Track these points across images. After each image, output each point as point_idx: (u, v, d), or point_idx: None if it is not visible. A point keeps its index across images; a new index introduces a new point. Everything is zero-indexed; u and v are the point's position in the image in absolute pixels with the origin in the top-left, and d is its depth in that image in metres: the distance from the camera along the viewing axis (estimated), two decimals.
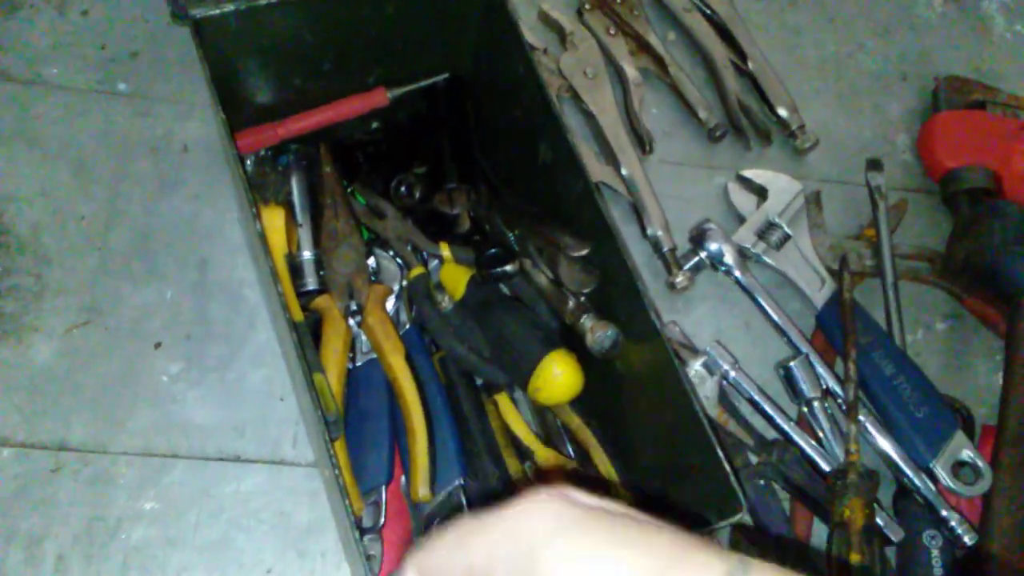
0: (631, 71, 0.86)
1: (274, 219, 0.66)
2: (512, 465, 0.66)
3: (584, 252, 0.61)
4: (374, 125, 0.73)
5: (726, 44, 0.89)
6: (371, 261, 0.69)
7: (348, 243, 0.67)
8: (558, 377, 0.63)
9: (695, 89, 0.87)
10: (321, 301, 0.66)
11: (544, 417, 0.70)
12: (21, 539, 0.64)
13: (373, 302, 0.67)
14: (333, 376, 0.64)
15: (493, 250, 0.68)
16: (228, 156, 0.60)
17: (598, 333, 0.61)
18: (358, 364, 0.67)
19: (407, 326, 0.69)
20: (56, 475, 0.66)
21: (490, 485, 0.64)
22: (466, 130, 0.74)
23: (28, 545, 0.64)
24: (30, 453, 0.66)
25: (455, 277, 0.69)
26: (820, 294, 0.80)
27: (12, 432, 0.67)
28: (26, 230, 0.72)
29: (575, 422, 0.66)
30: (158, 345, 0.71)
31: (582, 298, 0.63)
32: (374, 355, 0.67)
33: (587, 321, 0.62)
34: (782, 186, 0.83)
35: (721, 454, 0.52)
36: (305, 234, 0.68)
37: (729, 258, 0.79)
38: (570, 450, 0.68)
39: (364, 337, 0.67)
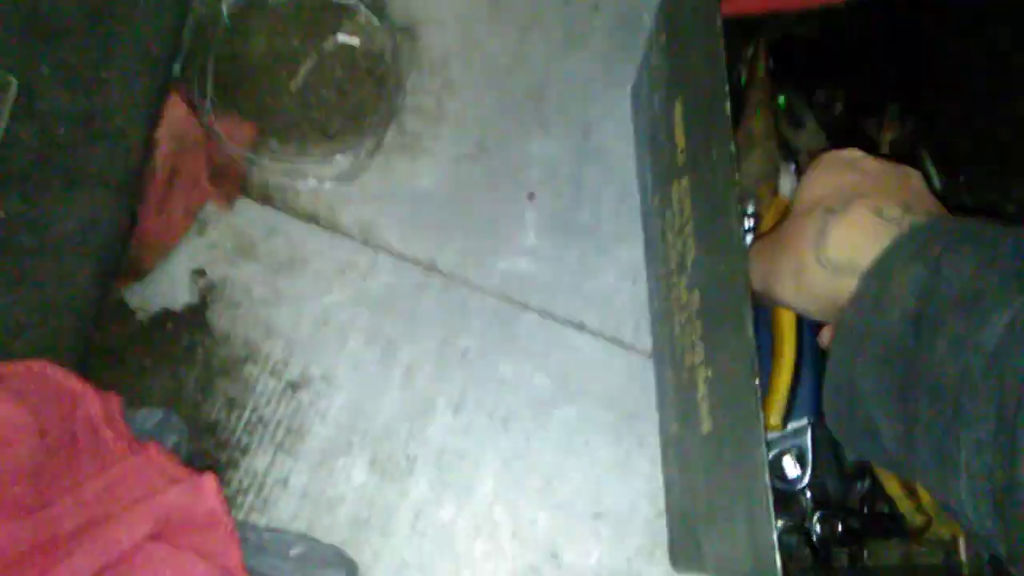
0: None
1: None
2: None
3: None
4: (818, 24, 0.67)
5: None
6: None
7: (763, 147, 0.63)
8: None
9: None
10: None
11: None
12: (381, 341, 0.69)
13: (772, 216, 0.63)
14: None
15: None
16: (709, 15, 0.55)
17: None
18: None
19: None
20: (421, 291, 0.70)
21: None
22: (918, 51, 0.66)
23: (385, 349, 0.69)
24: (402, 265, 0.70)
25: None
26: None
27: (391, 241, 0.71)
28: (438, 54, 0.74)
29: None
30: (532, 196, 0.72)
31: None
32: None
33: None
34: None
35: None
36: None
37: None
38: None
39: None
